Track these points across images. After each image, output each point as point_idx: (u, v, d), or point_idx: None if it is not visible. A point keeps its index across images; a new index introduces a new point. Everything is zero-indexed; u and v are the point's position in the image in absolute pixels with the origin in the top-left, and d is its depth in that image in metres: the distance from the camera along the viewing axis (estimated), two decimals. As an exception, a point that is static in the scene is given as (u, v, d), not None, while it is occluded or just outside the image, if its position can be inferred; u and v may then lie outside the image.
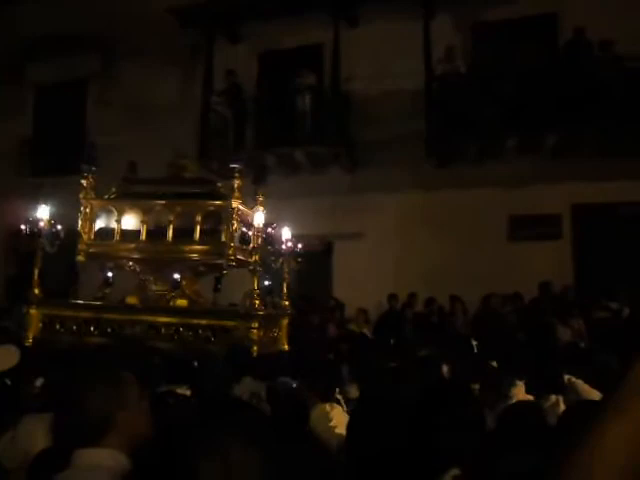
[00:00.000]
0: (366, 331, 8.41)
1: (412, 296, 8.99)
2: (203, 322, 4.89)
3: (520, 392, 4.10)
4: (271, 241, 5.00)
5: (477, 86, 9.30)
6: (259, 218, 5.02)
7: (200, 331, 4.82)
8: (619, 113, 8.27)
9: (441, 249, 9.15)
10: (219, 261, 5.14)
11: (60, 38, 11.21)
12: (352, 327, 8.53)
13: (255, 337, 4.68)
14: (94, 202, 5.36)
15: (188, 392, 3.35)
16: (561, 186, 8.90)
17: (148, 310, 5.10)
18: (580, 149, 8.81)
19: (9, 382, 3.49)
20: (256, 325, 4.72)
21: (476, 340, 6.08)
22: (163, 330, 4.86)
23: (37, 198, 10.51)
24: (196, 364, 3.99)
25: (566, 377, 4.13)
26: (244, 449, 0.94)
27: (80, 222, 5.31)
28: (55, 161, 11.58)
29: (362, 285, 9.22)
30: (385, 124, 9.56)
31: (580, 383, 4.13)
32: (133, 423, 1.61)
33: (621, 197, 8.71)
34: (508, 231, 9.39)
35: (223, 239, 5.08)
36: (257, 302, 4.79)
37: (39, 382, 3.41)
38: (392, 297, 9.02)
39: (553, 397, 3.73)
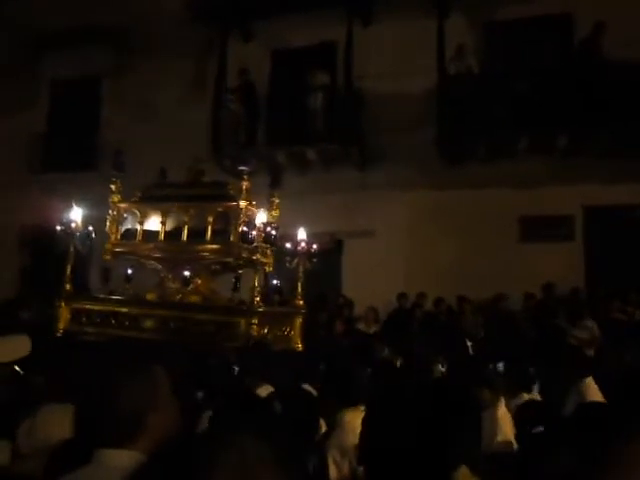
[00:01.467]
0: (374, 328, 8.42)
1: (421, 296, 8.99)
2: (207, 317, 5.12)
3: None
4: (272, 240, 5.07)
5: (489, 85, 9.27)
6: (261, 217, 5.11)
7: (206, 326, 4.99)
8: (633, 114, 8.21)
9: (451, 249, 9.14)
10: (228, 259, 5.32)
11: (75, 32, 11.26)
12: (361, 326, 8.54)
13: (255, 333, 4.80)
14: (121, 205, 5.73)
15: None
16: (573, 187, 8.86)
17: (160, 305, 5.35)
18: (592, 150, 8.76)
19: (21, 371, 3.54)
20: (256, 321, 4.84)
21: (471, 341, 6.11)
22: (172, 324, 5.06)
23: (49, 194, 10.68)
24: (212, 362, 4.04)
25: (587, 380, 4.11)
26: (261, 447, 0.93)
27: (108, 224, 5.70)
28: (68, 156, 11.67)
29: (372, 283, 9.22)
30: (397, 123, 9.54)
31: (592, 386, 4.12)
32: (163, 425, 1.54)
33: (634, 199, 8.67)
34: (519, 232, 9.36)
35: (232, 239, 5.24)
36: (257, 299, 4.92)
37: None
38: (401, 296, 9.03)
39: (525, 395, 3.75)
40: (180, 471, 0.93)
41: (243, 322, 4.90)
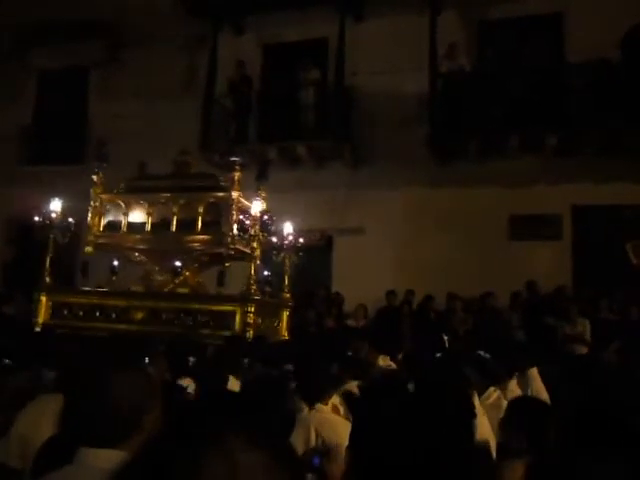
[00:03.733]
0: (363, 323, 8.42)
1: (410, 293, 9.00)
2: (202, 307, 5.05)
3: (514, 387, 4.16)
4: (268, 229, 5.06)
5: (481, 84, 9.30)
6: (257, 207, 5.08)
7: (199, 316, 4.93)
8: (623, 114, 8.27)
9: (441, 246, 9.15)
10: (219, 250, 5.27)
11: (64, 24, 11.13)
12: (350, 322, 8.53)
13: (252, 321, 4.76)
14: (103, 196, 5.59)
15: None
16: (562, 187, 8.90)
17: (150, 296, 5.29)
18: (582, 150, 8.81)
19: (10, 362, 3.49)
20: (252, 309, 4.77)
21: (447, 335, 6.14)
22: (164, 316, 4.99)
23: (35, 186, 10.55)
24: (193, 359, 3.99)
25: (533, 370, 4.27)
26: (253, 452, 0.86)
27: (90, 215, 5.56)
28: (55, 149, 11.53)
29: (361, 280, 9.21)
30: (388, 120, 9.54)
31: (536, 378, 4.26)
32: (153, 425, 1.52)
33: (622, 199, 8.73)
34: (508, 230, 9.39)
35: (223, 229, 5.19)
36: (253, 288, 4.89)
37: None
38: (390, 293, 9.02)
39: (492, 390, 3.78)
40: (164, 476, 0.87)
41: (239, 310, 4.82)
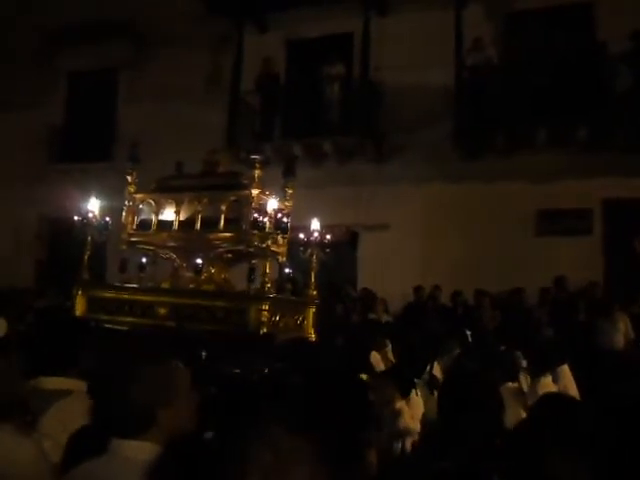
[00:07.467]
0: (386, 317, 8.42)
1: (436, 288, 8.94)
2: (217, 304, 5.20)
3: (548, 384, 4.12)
4: (283, 227, 5.11)
5: (508, 76, 9.16)
6: (272, 204, 5.13)
7: (216, 313, 5.05)
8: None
9: (467, 242, 9.07)
10: (239, 247, 5.39)
11: (92, 25, 11.33)
12: (372, 316, 8.53)
13: (265, 319, 4.82)
14: (136, 196, 5.81)
15: None
16: (592, 180, 8.71)
17: (170, 292, 5.50)
18: (612, 142, 8.61)
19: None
20: (266, 307, 4.89)
21: (470, 330, 6.15)
22: (184, 312, 5.14)
23: (66, 184, 10.78)
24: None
25: (563, 367, 4.26)
26: (294, 441, 0.90)
27: (124, 214, 5.80)
28: (85, 148, 11.76)
29: (387, 276, 9.20)
30: (414, 115, 9.47)
31: (567, 373, 4.24)
32: (176, 419, 1.56)
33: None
34: (536, 226, 9.24)
35: (243, 227, 5.30)
36: (268, 285, 4.99)
37: None
38: (418, 289, 8.98)
39: (510, 384, 3.79)
40: (207, 467, 0.89)
41: (253, 308, 4.92)
